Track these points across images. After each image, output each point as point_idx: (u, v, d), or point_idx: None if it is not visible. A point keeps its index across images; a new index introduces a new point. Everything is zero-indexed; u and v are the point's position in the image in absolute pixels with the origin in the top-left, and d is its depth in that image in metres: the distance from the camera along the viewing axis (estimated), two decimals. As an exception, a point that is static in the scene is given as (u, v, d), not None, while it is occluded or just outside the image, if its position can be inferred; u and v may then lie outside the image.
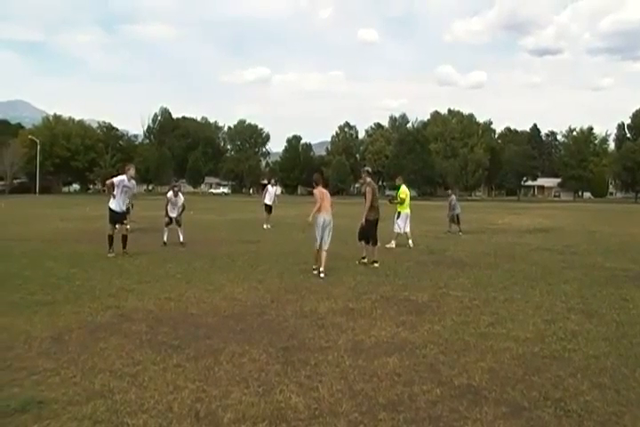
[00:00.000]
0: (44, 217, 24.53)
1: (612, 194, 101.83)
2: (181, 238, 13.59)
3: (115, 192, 11.30)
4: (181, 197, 14.19)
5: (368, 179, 10.98)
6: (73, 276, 8.86)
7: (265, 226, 19.34)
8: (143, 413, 3.62)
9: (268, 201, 20.30)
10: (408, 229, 14.35)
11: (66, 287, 7.88)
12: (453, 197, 19.35)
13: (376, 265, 10.45)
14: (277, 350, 4.98)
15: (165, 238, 13.64)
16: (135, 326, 5.81)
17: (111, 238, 11.44)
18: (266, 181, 20.64)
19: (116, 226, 11.58)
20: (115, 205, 11.43)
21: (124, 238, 11.61)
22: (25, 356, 4.75)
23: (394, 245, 13.76)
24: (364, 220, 10.71)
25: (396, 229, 14.24)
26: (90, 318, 6.14)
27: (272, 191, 20.67)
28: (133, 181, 11.77)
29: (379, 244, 11.15)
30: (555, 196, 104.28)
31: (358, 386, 4.15)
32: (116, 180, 11.40)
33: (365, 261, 10.86)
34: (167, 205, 14.13)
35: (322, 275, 9.10)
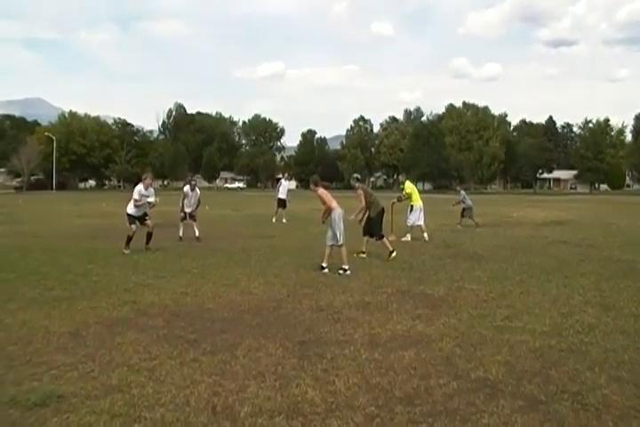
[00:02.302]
0: (60, 213, 24.77)
1: (628, 186, 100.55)
2: (197, 233, 13.69)
3: (135, 201, 11.64)
4: (198, 192, 14.31)
5: (357, 184, 11.07)
6: (90, 271, 8.96)
7: (274, 220, 19.37)
8: (160, 407, 3.65)
9: (282, 195, 20.23)
10: (421, 222, 14.32)
11: (83, 283, 7.98)
12: (463, 192, 19.29)
13: (393, 255, 10.53)
14: (294, 344, 5.00)
15: (181, 233, 13.77)
16: (152, 320, 5.86)
17: (130, 238, 11.57)
18: (280, 176, 20.72)
19: (137, 225, 11.73)
20: (134, 211, 11.75)
21: (149, 235, 11.84)
22: (44, 351, 4.82)
23: (409, 239, 13.79)
24: (355, 217, 10.74)
25: (409, 223, 14.29)
26: (107, 313, 6.21)
27: (286, 185, 20.65)
28: (151, 189, 12.08)
29: (386, 237, 11.18)
30: (571, 188, 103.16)
31: (374, 380, 4.15)
32: (136, 193, 11.70)
33: (364, 255, 10.88)
34: (183, 200, 14.24)
35: (347, 272, 8.86)
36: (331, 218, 9.36)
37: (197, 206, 14.43)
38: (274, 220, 19.39)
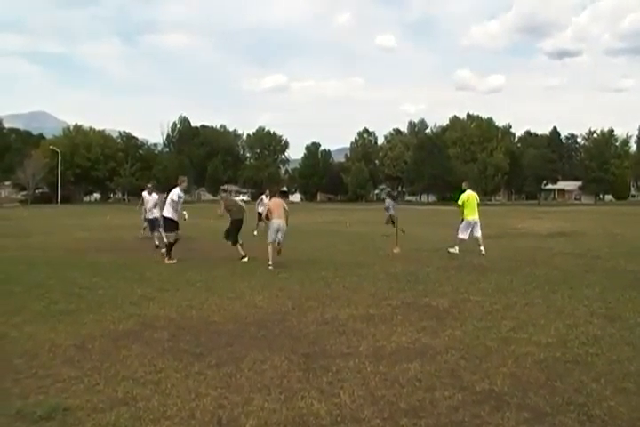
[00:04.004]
0: (65, 227, 24.86)
1: (633, 196, 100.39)
2: (156, 242, 14.73)
3: (174, 204, 12.14)
4: (155, 197, 15.57)
5: (223, 194, 14.03)
6: (95, 285, 8.98)
7: (255, 232, 19.62)
8: (166, 419, 3.66)
9: (260, 209, 20.82)
10: (478, 235, 13.72)
11: (88, 296, 8.00)
12: (388, 200, 20.63)
13: (244, 260, 11.96)
14: (299, 357, 4.99)
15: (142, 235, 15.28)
16: (157, 333, 5.87)
17: (172, 246, 12.01)
18: (266, 193, 21.78)
19: (179, 232, 12.27)
20: (174, 215, 12.14)
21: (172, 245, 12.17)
22: (50, 364, 4.83)
23: (457, 250, 13.41)
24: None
25: (459, 235, 13.81)
26: (112, 326, 6.22)
27: (266, 202, 21.31)
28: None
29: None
30: (575, 199, 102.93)
31: (380, 392, 4.14)
32: (175, 195, 12.20)
33: (246, 260, 12.02)
34: (142, 205, 15.67)
35: (270, 267, 10.78)
36: (270, 225, 11.65)
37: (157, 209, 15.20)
38: (255, 232, 19.63)
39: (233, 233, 12.64)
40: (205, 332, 5.95)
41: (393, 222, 19.21)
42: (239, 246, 12.40)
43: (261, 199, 21.75)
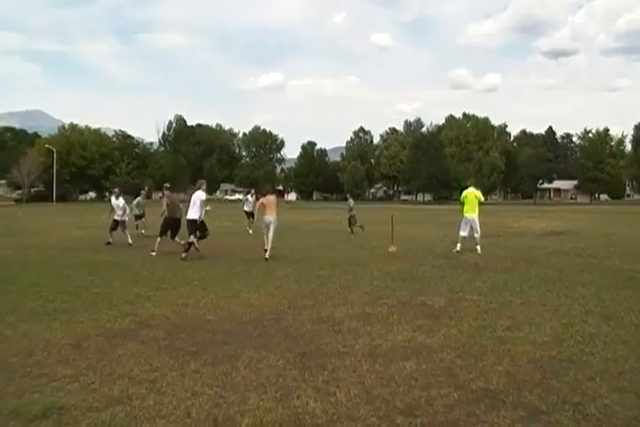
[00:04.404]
0: (61, 225, 24.78)
1: (629, 196, 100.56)
2: (129, 240, 15.52)
3: (202, 205, 12.75)
4: (122, 200, 16.24)
5: (166, 192, 14.68)
6: (91, 283, 8.96)
7: (249, 230, 20.07)
8: (161, 418, 3.65)
9: (247, 208, 21.31)
10: (464, 234, 13.70)
11: (84, 295, 7.98)
12: (351, 200, 21.71)
13: (153, 254, 12.78)
14: (295, 356, 4.99)
15: (111, 240, 15.60)
16: (153, 332, 5.86)
17: (191, 245, 12.63)
18: (252, 191, 22.56)
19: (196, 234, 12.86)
20: (196, 215, 12.66)
21: (191, 245, 12.73)
22: (44, 362, 4.81)
23: (458, 249, 13.46)
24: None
25: (460, 233, 13.85)
26: (108, 324, 6.21)
27: (252, 200, 21.64)
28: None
29: (178, 239, 13.40)
30: (571, 198, 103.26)
31: (375, 391, 4.15)
32: (204, 197, 12.88)
33: (154, 253, 12.86)
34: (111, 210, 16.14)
35: (265, 250, 12.16)
36: (262, 220, 13.05)
37: (124, 214, 16.13)
38: (250, 231, 19.92)
39: (162, 228, 13.51)
40: (201, 330, 5.93)
41: (352, 222, 20.49)
42: (158, 239, 13.34)
43: (247, 199, 22.32)
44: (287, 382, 4.35)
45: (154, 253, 12.86)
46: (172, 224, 13.51)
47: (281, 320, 6.40)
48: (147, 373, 4.54)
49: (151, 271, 10.38)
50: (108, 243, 15.44)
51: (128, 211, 16.55)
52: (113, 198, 16.31)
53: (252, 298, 7.73)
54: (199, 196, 12.80)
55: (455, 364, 4.77)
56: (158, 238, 13.36)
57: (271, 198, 13.04)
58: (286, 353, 5.07)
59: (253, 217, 21.03)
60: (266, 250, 12.29)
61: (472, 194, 13.92)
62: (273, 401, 3.94)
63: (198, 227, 12.91)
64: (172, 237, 13.53)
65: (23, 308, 7.03)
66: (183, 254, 12.27)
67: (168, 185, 15.05)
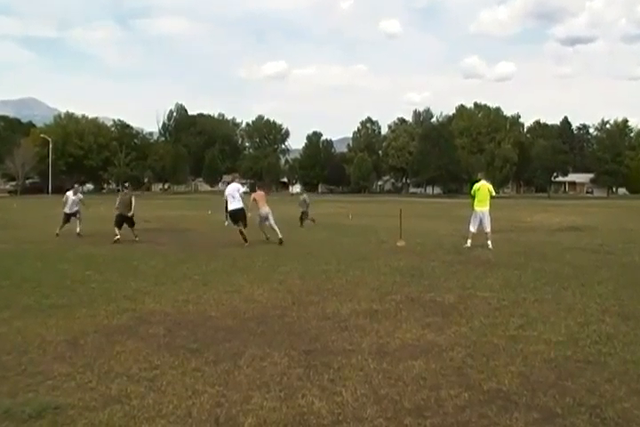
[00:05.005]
0: (57, 218, 24.68)
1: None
2: (78, 229, 16.33)
3: (238, 196, 14.04)
4: (80, 196, 17.03)
5: (125, 190, 15.82)
6: (88, 278, 8.86)
7: (226, 223, 19.36)
8: (161, 418, 3.57)
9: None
10: (487, 229, 13.45)
11: (81, 290, 7.88)
12: (305, 195, 22.44)
13: (116, 238, 14.00)
14: (299, 354, 4.90)
15: (58, 231, 16.16)
16: (152, 329, 5.77)
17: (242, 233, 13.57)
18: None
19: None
20: (242, 204, 13.94)
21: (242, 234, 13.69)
22: (40, 360, 4.73)
23: (469, 244, 13.29)
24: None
25: (470, 228, 13.71)
26: (106, 321, 6.11)
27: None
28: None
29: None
30: (587, 192, 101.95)
31: (383, 390, 4.05)
32: (241, 189, 14.40)
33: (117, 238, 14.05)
34: (64, 203, 16.65)
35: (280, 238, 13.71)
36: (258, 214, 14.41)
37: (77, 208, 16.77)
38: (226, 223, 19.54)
39: (116, 222, 14.77)
40: (202, 327, 5.84)
41: (303, 217, 21.07)
42: (116, 230, 14.48)
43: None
44: (291, 380, 4.26)
45: (117, 238, 14.03)
46: (118, 219, 14.82)
47: (285, 317, 6.30)
48: (146, 371, 4.46)
49: (150, 266, 10.24)
50: (79, 234, 16.21)
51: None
52: (70, 193, 16.79)
53: (255, 294, 7.62)
54: (237, 188, 14.21)
55: (466, 363, 4.66)
56: (116, 229, 14.51)
57: (261, 193, 15.01)
58: (290, 351, 4.97)
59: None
60: (279, 239, 13.66)
61: (485, 186, 13.75)
62: (277, 401, 3.86)
63: (245, 216, 13.97)
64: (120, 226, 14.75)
65: (17, 304, 6.92)
66: (247, 244, 13.35)
67: (127, 184, 16.67)
